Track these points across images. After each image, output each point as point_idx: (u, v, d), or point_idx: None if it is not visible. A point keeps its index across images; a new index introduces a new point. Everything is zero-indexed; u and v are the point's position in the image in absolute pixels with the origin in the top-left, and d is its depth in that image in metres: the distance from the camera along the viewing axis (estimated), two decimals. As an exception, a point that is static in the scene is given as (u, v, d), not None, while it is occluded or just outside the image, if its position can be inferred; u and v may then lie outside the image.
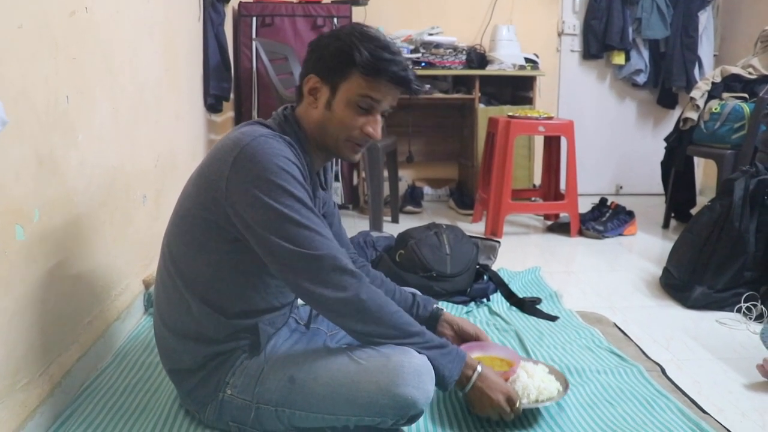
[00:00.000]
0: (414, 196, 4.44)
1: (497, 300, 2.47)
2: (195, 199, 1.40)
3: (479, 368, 1.46)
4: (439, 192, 4.73)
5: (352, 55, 1.39)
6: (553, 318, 2.28)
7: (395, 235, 2.63)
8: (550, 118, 3.62)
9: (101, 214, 1.91)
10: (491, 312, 2.34)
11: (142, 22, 2.33)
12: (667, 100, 4.85)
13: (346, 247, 1.75)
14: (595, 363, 1.90)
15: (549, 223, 3.89)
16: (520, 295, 2.49)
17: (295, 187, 1.33)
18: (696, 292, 2.47)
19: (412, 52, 4.24)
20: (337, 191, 4.33)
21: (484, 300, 2.43)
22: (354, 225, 3.89)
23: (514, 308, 2.40)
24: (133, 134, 2.18)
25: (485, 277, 2.51)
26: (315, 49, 1.46)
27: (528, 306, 2.37)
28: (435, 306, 1.76)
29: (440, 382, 1.40)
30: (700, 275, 2.48)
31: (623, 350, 2.01)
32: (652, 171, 4.87)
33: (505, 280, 2.67)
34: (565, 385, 1.61)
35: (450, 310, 2.33)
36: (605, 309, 2.45)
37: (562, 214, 3.90)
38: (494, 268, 2.77)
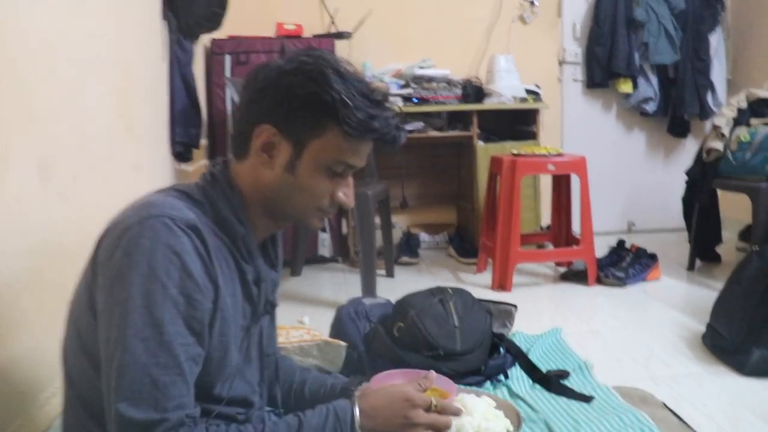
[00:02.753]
0: (410, 245, 4.04)
1: (517, 376, 2.06)
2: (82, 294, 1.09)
3: (354, 398, 1.14)
4: (437, 239, 4.34)
5: (334, 107, 1.04)
6: (587, 399, 1.87)
7: (392, 301, 2.22)
8: (560, 154, 3.26)
9: (24, 300, 1.51)
10: (512, 394, 1.93)
11: (84, 61, 1.96)
12: (679, 128, 4.51)
13: (269, 362, 1.34)
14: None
15: (562, 270, 3.50)
16: (543, 368, 2.08)
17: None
18: (754, 356, 2.07)
19: (403, 87, 3.90)
20: (324, 243, 3.94)
21: (502, 378, 2.02)
22: (344, 282, 3.50)
23: (538, 386, 1.99)
24: (71, 194, 1.80)
25: (501, 349, 2.10)
26: (271, 89, 1.08)
27: (555, 383, 1.96)
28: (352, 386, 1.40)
29: None
30: (757, 335, 2.09)
31: (684, 446, 1.61)
32: (666, 205, 4.52)
33: (523, 347, 2.26)
34: (518, 422, 1.29)
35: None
36: (646, 381, 2.05)
37: (575, 261, 3.51)
38: (509, 334, 2.36)
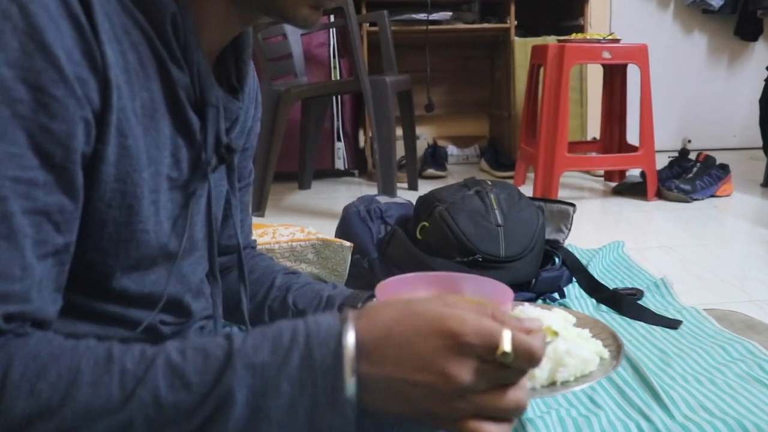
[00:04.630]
0: (436, 158, 3.54)
1: (576, 295, 1.59)
2: None
3: (348, 316, 0.55)
4: (467, 152, 3.82)
5: None
6: (674, 324, 1.39)
7: (413, 203, 1.74)
8: (617, 40, 2.70)
9: None
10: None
11: None
12: (749, 29, 3.88)
13: (245, 239, 1.02)
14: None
15: (614, 184, 2.98)
16: (609, 286, 1.60)
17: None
18: None
19: (428, -26, 3.33)
20: (339, 154, 3.45)
21: (557, 296, 1.55)
22: (360, 195, 3.02)
23: (604, 308, 1.51)
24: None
25: (556, 259, 1.62)
26: None
27: (629, 304, 1.48)
28: (353, 305, 0.91)
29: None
30: None
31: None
32: (728, 120, 3.97)
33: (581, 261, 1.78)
34: (616, 346, 0.80)
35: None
36: (745, 304, 1.56)
37: (629, 173, 2.99)
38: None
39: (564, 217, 1.71)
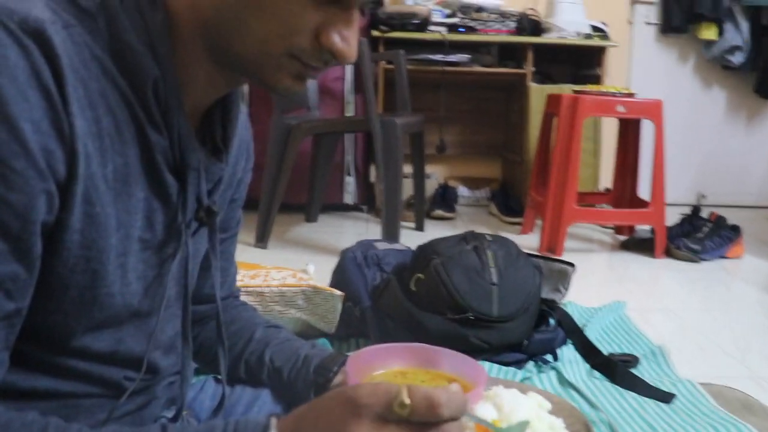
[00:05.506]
0: (446, 198, 3.52)
1: (569, 359, 1.55)
2: None
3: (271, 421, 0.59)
4: (478, 194, 3.81)
5: None
6: (667, 398, 1.35)
7: (414, 249, 1.72)
8: (631, 94, 2.68)
9: None
10: (562, 382, 1.42)
11: None
12: (769, 88, 3.86)
13: (227, 289, 0.99)
14: None
15: (623, 238, 2.94)
16: (604, 350, 1.57)
17: None
18: None
19: (448, 17, 3.35)
20: (348, 188, 3.45)
21: (550, 359, 1.52)
22: (367, 232, 3.01)
23: (597, 375, 1.47)
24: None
25: (551, 320, 1.59)
26: None
27: (621, 372, 1.44)
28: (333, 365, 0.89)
29: None
30: None
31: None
32: (744, 177, 3.93)
33: (578, 322, 1.75)
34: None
35: (492, 375, 1.41)
36: (745, 380, 1.52)
37: (638, 228, 2.96)
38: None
39: (563, 277, 1.68)
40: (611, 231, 3.13)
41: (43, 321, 0.62)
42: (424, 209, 3.13)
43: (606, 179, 3.35)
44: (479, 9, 3.37)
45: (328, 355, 0.93)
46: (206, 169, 0.71)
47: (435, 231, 3.07)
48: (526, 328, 1.48)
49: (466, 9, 3.37)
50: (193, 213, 0.71)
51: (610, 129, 3.32)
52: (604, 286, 2.29)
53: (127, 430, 0.57)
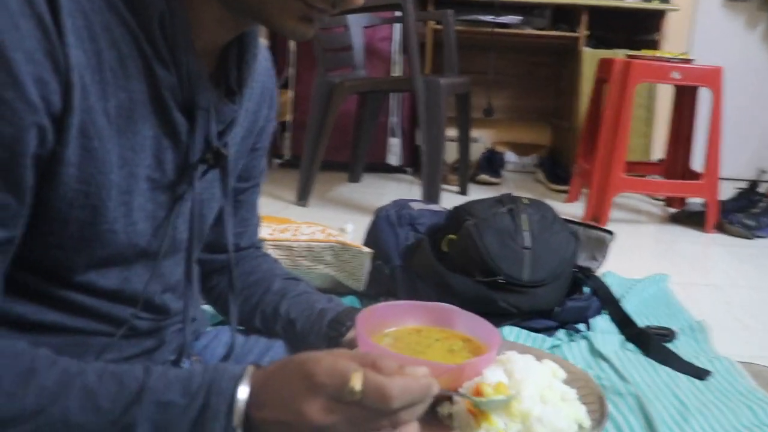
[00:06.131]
0: (492, 163, 3.47)
1: (602, 328, 1.50)
2: None
3: (242, 384, 0.58)
4: (525, 160, 3.73)
5: None
6: (702, 374, 1.30)
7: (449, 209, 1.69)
8: (689, 60, 2.55)
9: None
10: (593, 352, 1.38)
11: None
12: (842, 58, 3.65)
13: (249, 239, 0.98)
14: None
15: (673, 211, 2.84)
16: (640, 323, 1.52)
17: None
18: None
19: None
20: (393, 149, 3.42)
21: (582, 328, 1.47)
22: (409, 193, 2.98)
23: (630, 347, 1.43)
24: None
25: (586, 289, 1.54)
26: None
27: (656, 345, 1.39)
28: (341, 322, 0.87)
29: None
30: None
31: None
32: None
33: (616, 293, 1.69)
34: (600, 412, 0.71)
35: (520, 342, 1.38)
36: (788, 361, 1.45)
37: (690, 201, 2.85)
38: (599, 272, 1.79)
39: (600, 245, 1.63)
40: (662, 203, 3.03)
41: (46, 255, 0.62)
42: (468, 173, 3.08)
43: (659, 149, 3.24)
44: (534, -32, 3.26)
45: (343, 309, 0.91)
46: (217, 110, 0.69)
47: (478, 195, 2.99)
48: (557, 295, 1.44)
49: (520, -30, 3.26)
50: (202, 154, 0.69)
51: (665, 97, 3.19)
52: (648, 258, 2.22)
53: (112, 366, 0.57)
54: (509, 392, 0.65)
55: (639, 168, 3.05)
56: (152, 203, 0.67)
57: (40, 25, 0.52)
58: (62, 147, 0.56)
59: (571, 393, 0.70)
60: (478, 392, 0.64)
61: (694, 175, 2.76)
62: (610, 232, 1.64)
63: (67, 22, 0.54)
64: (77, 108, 0.56)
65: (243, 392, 0.57)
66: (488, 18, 3.14)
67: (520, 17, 3.21)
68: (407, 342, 0.76)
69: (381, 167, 3.45)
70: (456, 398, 0.64)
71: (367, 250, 1.42)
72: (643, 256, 2.24)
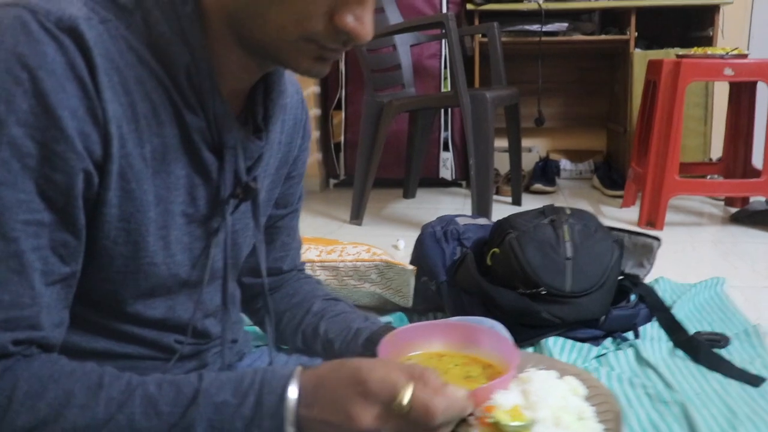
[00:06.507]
0: (546, 172, 3.45)
1: (652, 336, 1.50)
2: None
3: (295, 376, 0.64)
4: (581, 167, 3.69)
5: None
6: (755, 381, 1.28)
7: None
8: (743, 56, 2.50)
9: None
10: (639, 360, 1.37)
11: None
12: None
13: (291, 262, 1.05)
14: None
15: (734, 210, 2.77)
16: (692, 329, 1.50)
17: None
18: None
19: (547, -17, 3.25)
20: (446, 164, 3.45)
21: (630, 336, 1.47)
22: (464, 208, 3.00)
23: (680, 354, 1.41)
24: None
25: (633, 296, 1.53)
26: None
27: (706, 352, 1.38)
28: (375, 341, 0.88)
29: None
30: None
31: None
32: None
33: (668, 299, 1.68)
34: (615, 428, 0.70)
35: (567, 355, 1.39)
36: None
37: (753, 199, 2.77)
38: (650, 277, 1.77)
39: (647, 251, 1.62)
40: (722, 203, 2.95)
41: (98, 289, 0.69)
42: (521, 183, 3.08)
43: (719, 149, 3.16)
44: (581, -27, 3.25)
45: (378, 329, 0.96)
46: (244, 147, 0.75)
47: (533, 205, 2.99)
48: (602, 304, 1.44)
49: (567, -26, 3.25)
50: (232, 188, 0.75)
51: (723, 95, 3.12)
52: (705, 261, 2.17)
53: (170, 376, 0.64)
54: (525, 417, 0.67)
55: (697, 168, 2.98)
56: (188, 236, 0.73)
57: (81, 86, 0.60)
58: (105, 190, 0.64)
59: (589, 411, 0.71)
60: (488, 411, 0.66)
61: (756, 173, 2.68)
62: (657, 239, 1.63)
63: (104, 80, 0.61)
64: (116, 155, 0.63)
65: (293, 391, 0.63)
66: (534, 27, 3.14)
67: (567, 24, 3.19)
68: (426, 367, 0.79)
69: (435, 182, 3.49)
70: (471, 420, 0.67)
71: (410, 267, 1.46)
72: (699, 258, 2.20)
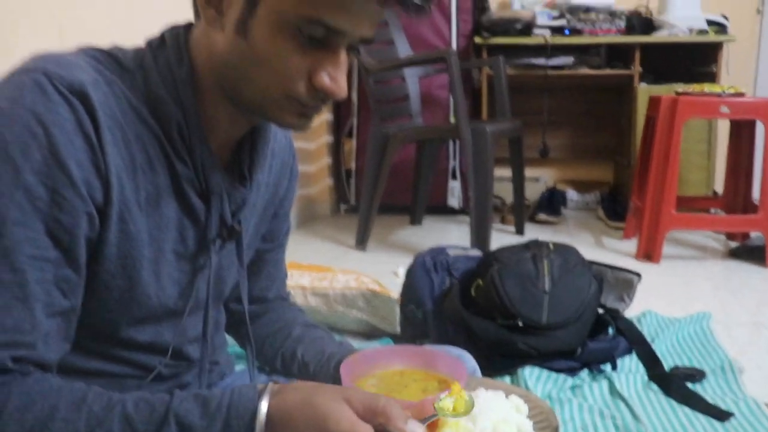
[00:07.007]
0: (552, 202, 3.51)
1: (629, 369, 1.55)
2: None
3: (263, 401, 0.68)
4: (588, 198, 3.74)
5: None
6: (723, 416, 1.32)
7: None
8: (740, 94, 2.55)
9: None
10: (613, 392, 1.43)
11: None
12: None
13: (276, 291, 1.11)
14: None
15: (733, 245, 2.80)
16: (671, 363, 1.55)
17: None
18: None
19: (555, 18, 3.33)
20: (453, 192, 3.52)
21: (607, 368, 1.52)
22: (468, 237, 3.05)
23: (654, 387, 1.46)
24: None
25: (611, 329, 1.59)
26: None
27: (677, 386, 1.42)
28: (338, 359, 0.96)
29: None
30: None
31: None
32: None
33: (652, 332, 1.73)
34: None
35: (542, 384, 1.44)
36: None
37: (753, 234, 2.80)
38: (638, 310, 1.82)
39: (627, 286, 1.67)
40: (723, 237, 2.98)
41: (95, 317, 0.77)
42: (523, 213, 3.14)
43: (721, 181, 3.19)
44: (587, 9, 3.32)
45: (348, 354, 1.03)
46: (229, 194, 0.84)
47: (535, 235, 3.05)
48: (578, 336, 1.49)
49: (574, 10, 3.33)
50: (217, 230, 0.84)
51: (726, 130, 3.16)
52: (697, 296, 2.21)
53: (148, 394, 0.70)
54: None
55: (700, 202, 3.02)
56: (178, 271, 0.82)
57: (87, 141, 0.69)
58: (105, 231, 0.72)
59: (528, 425, 0.78)
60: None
61: (755, 208, 2.71)
62: (637, 274, 1.68)
63: (107, 136, 0.70)
64: (115, 201, 0.72)
65: (262, 418, 0.66)
66: (540, 61, 3.22)
67: (572, 58, 3.27)
68: (388, 383, 0.87)
69: (443, 209, 3.55)
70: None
71: (395, 296, 1.52)
72: (691, 293, 2.23)
